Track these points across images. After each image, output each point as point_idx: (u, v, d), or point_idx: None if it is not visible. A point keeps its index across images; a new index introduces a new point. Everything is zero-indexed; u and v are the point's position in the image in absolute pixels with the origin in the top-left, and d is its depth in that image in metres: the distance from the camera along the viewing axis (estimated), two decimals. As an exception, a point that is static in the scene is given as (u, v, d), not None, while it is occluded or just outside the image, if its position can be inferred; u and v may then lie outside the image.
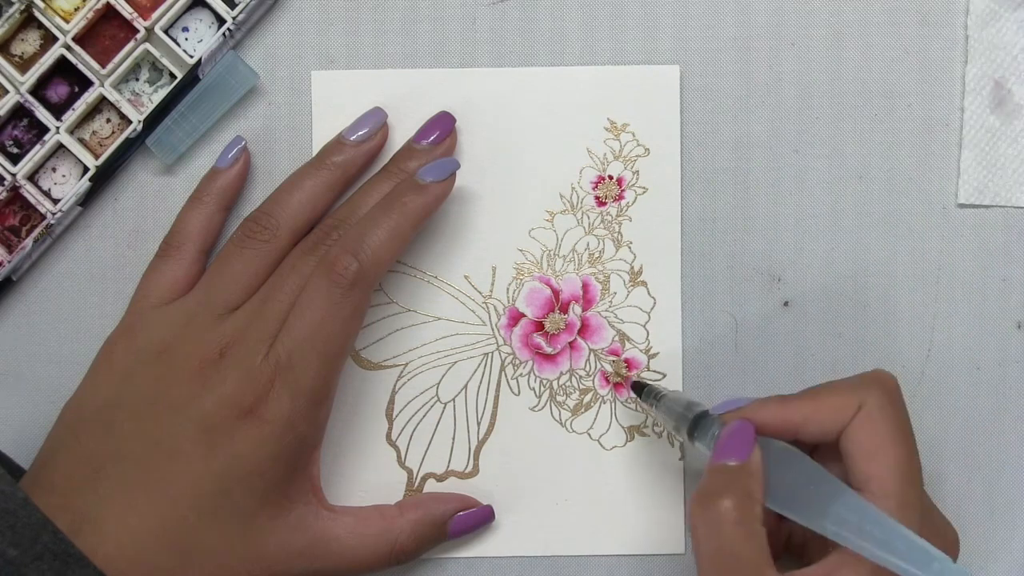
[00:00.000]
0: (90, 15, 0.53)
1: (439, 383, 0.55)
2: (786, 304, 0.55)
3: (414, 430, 0.55)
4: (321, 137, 0.55)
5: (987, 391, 0.55)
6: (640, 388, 0.54)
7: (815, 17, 0.55)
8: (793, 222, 0.55)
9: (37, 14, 0.53)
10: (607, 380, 0.55)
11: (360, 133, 0.54)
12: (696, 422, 0.49)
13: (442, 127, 0.54)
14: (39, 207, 0.53)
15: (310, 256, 0.52)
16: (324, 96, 0.55)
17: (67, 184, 0.54)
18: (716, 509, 0.45)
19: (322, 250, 0.52)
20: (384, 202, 0.51)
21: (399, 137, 0.55)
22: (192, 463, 0.48)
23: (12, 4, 0.53)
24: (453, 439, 0.55)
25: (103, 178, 0.54)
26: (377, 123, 0.54)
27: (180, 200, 0.54)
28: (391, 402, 0.55)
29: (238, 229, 0.53)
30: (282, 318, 0.50)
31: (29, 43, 0.54)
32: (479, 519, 0.54)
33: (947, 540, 0.48)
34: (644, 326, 0.55)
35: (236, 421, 0.48)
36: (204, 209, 0.54)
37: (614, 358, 0.55)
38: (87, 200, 0.54)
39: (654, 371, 0.55)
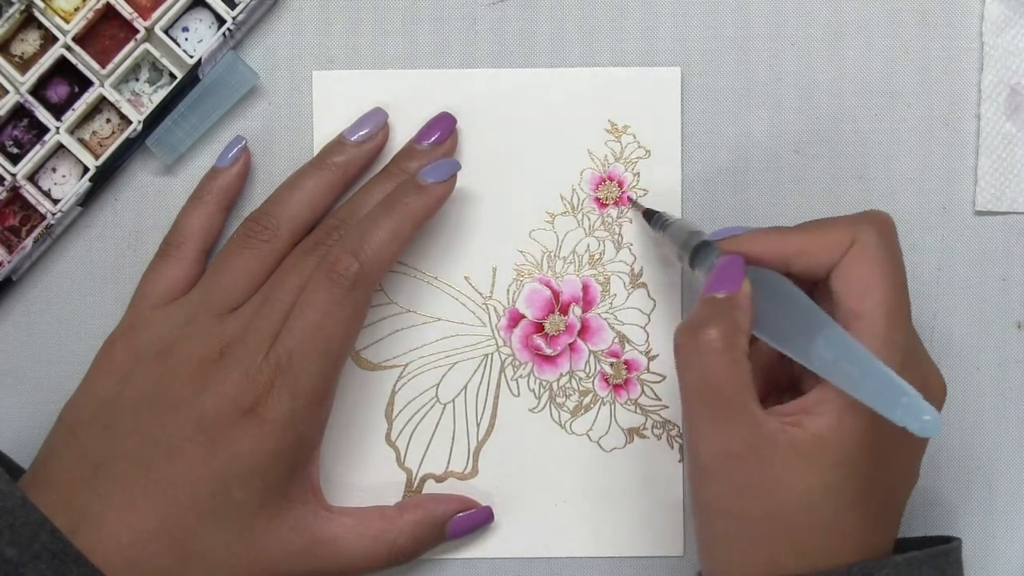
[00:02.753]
0: (90, 15, 0.53)
1: (439, 384, 0.55)
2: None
3: (414, 431, 0.55)
4: (322, 137, 0.55)
5: (987, 391, 0.55)
6: (650, 215, 0.53)
7: (815, 17, 0.55)
8: (793, 222, 0.55)
9: (37, 14, 0.53)
10: (607, 382, 0.55)
11: (361, 133, 0.54)
12: (696, 251, 0.49)
13: (443, 128, 0.54)
14: (39, 207, 0.53)
15: (311, 256, 0.51)
16: (324, 96, 0.55)
17: (67, 184, 0.54)
18: (702, 338, 0.45)
19: (323, 250, 0.51)
20: (385, 203, 0.51)
21: (400, 137, 0.55)
22: (191, 462, 0.48)
23: (12, 4, 0.53)
24: (452, 440, 0.55)
25: (103, 178, 0.54)
26: (378, 123, 0.54)
27: (180, 200, 0.54)
28: (391, 403, 0.55)
29: (238, 229, 0.53)
30: (282, 318, 0.50)
31: (29, 43, 0.54)
32: (478, 520, 0.54)
33: (931, 387, 0.47)
34: (644, 328, 0.55)
35: (236, 421, 0.48)
36: (204, 209, 0.54)
37: (614, 360, 0.55)
38: (87, 200, 0.54)
39: (654, 372, 0.55)
